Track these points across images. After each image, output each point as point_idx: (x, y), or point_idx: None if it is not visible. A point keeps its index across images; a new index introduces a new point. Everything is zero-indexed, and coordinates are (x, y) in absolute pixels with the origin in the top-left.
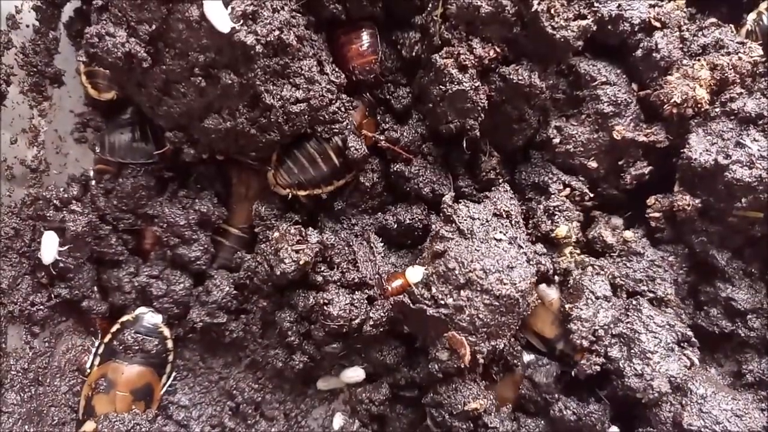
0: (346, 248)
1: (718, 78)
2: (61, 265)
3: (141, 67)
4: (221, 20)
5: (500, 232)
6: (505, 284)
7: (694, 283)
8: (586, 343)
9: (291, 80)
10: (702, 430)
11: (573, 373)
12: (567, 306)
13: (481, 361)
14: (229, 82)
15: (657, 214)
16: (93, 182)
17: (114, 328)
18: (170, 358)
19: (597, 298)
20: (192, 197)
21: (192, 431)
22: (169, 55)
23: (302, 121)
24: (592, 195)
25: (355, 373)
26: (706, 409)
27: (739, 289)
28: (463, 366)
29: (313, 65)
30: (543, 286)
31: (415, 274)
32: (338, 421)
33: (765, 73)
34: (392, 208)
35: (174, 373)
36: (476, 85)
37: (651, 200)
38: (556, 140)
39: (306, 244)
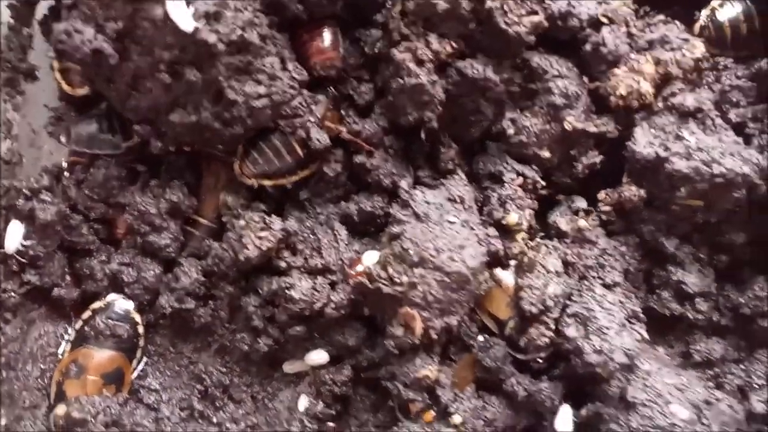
0: (311, 236)
1: (662, 73)
2: (32, 253)
3: (109, 63)
4: (184, 20)
5: (453, 215)
6: (455, 261)
7: (647, 269)
8: (534, 311)
9: (254, 77)
10: (645, 402)
11: (522, 346)
12: (519, 280)
13: (435, 336)
14: (194, 78)
15: (608, 208)
16: (66, 173)
17: (85, 315)
18: (141, 343)
19: (548, 272)
20: (163, 187)
21: (162, 414)
22: (135, 52)
23: (265, 115)
24: (544, 184)
25: (318, 356)
26: (649, 383)
27: (689, 273)
28: (417, 341)
29: (275, 62)
30: (498, 270)
31: (371, 256)
32: (303, 402)
33: (713, 67)
34: (355, 197)
35: (145, 358)
36: (433, 79)
37: (602, 194)
38: (511, 131)
39: (269, 231)
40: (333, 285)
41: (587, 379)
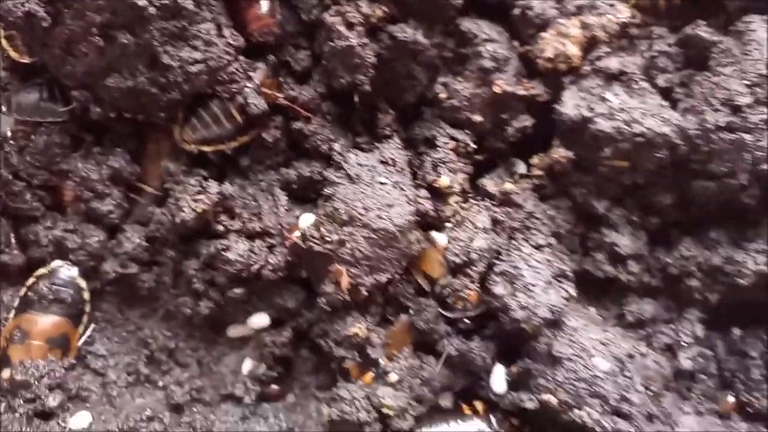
0: (253, 202)
1: (588, 36)
2: None
3: (42, 26)
4: None
5: (385, 176)
6: (382, 219)
7: (582, 233)
8: (458, 261)
9: (189, 42)
10: (570, 356)
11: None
12: (449, 235)
13: (365, 293)
14: (126, 42)
15: (540, 171)
16: (11, 141)
17: (29, 282)
18: (86, 309)
19: (476, 228)
20: (105, 154)
21: (109, 378)
22: (68, 15)
23: (201, 80)
24: (476, 147)
25: (260, 319)
26: (575, 338)
27: (621, 236)
28: (347, 297)
29: (211, 28)
30: (434, 233)
31: (306, 219)
32: (247, 365)
33: (647, 35)
34: (295, 164)
35: (92, 325)
36: (363, 41)
37: (535, 159)
38: (443, 95)
39: (205, 194)
40: (271, 248)
41: (516, 336)
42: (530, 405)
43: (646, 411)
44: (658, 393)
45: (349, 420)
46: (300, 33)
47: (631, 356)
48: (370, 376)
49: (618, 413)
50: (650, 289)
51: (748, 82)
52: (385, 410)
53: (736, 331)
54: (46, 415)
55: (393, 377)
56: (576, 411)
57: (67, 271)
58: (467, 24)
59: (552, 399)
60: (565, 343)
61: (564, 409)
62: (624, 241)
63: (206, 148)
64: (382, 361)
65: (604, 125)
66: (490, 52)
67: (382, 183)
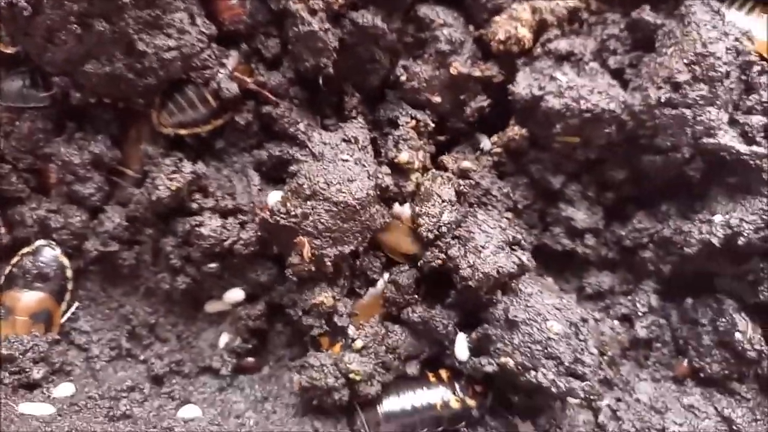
0: (228, 183)
1: (538, 19)
2: None
3: (23, 16)
4: None
5: (347, 154)
6: (343, 192)
7: (540, 208)
8: (431, 236)
9: (164, 30)
10: (526, 320)
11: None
12: (416, 209)
13: (329, 263)
14: (103, 29)
15: (499, 149)
16: None
17: (14, 260)
18: (69, 286)
19: (443, 201)
20: (87, 139)
21: (92, 353)
22: (47, 5)
23: (175, 67)
24: (433, 126)
25: (235, 294)
26: (531, 303)
27: (578, 211)
28: (311, 268)
29: (184, 17)
30: (397, 206)
31: (274, 196)
32: (224, 339)
33: (602, 21)
34: (267, 145)
35: (76, 303)
36: (326, 27)
37: (494, 138)
38: (403, 78)
39: (180, 173)
40: (243, 224)
41: (475, 303)
42: (490, 369)
43: (602, 374)
44: (614, 358)
45: (318, 386)
46: (270, 22)
47: (584, 320)
48: (339, 346)
49: (572, 374)
50: (607, 262)
51: (687, 61)
52: (352, 376)
53: (688, 301)
54: (31, 386)
55: (359, 343)
56: (532, 372)
57: (51, 249)
58: (424, 10)
59: (510, 361)
60: (521, 308)
61: (521, 371)
62: (580, 216)
63: (183, 132)
64: (350, 331)
65: (553, 102)
66: (446, 36)
67: (344, 160)
